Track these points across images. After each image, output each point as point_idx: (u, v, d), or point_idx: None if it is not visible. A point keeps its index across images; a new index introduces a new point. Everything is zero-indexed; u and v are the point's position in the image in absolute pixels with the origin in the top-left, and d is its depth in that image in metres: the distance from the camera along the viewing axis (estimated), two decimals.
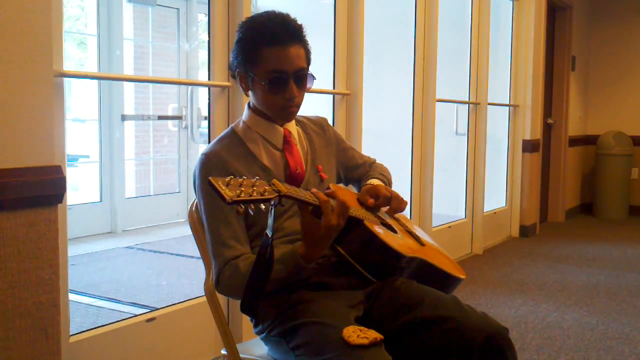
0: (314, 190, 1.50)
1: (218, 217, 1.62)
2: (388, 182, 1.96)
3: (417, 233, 1.93)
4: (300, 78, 1.67)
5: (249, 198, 1.29)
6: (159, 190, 6.84)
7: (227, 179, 1.30)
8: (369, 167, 2.01)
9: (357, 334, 1.42)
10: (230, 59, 1.73)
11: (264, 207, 1.32)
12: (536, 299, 3.95)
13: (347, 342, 1.41)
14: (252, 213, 1.31)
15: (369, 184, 1.87)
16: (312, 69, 1.73)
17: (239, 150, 1.71)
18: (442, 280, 1.81)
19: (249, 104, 1.78)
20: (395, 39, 4.62)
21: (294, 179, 1.74)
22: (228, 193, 1.27)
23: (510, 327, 3.32)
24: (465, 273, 1.88)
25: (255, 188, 1.31)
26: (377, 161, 2.06)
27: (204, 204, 1.66)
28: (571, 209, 7.31)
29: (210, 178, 1.29)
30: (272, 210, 1.39)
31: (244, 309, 1.48)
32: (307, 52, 1.70)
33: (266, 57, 1.62)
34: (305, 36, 1.69)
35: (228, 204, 1.26)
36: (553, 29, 6.83)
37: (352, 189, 2.04)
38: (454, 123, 5.08)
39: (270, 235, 1.42)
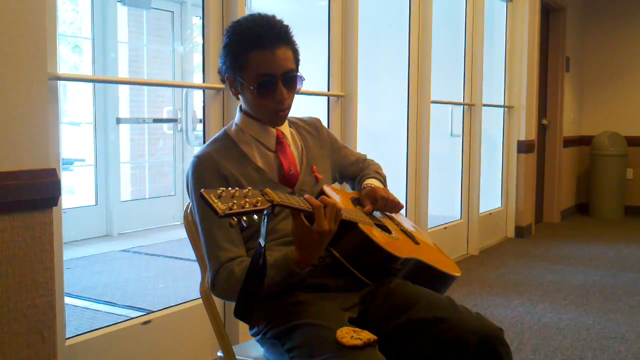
0: (306, 196, 1.48)
1: (211, 219, 1.61)
2: (383, 180, 1.97)
3: (412, 230, 1.93)
4: (289, 80, 1.65)
5: (242, 210, 1.27)
6: (155, 193, 6.83)
7: (219, 190, 1.28)
8: (362, 164, 2.01)
9: (350, 335, 1.42)
10: (219, 64, 1.71)
11: (256, 217, 1.31)
12: (532, 299, 3.96)
13: (341, 343, 1.41)
14: (245, 225, 1.30)
15: (367, 185, 1.86)
16: (306, 71, 1.72)
17: (231, 152, 1.71)
18: (438, 278, 1.82)
19: (240, 107, 1.77)
20: (390, 41, 4.62)
21: (287, 180, 1.74)
22: (220, 206, 1.25)
23: (506, 328, 3.33)
24: (460, 270, 1.88)
25: (247, 199, 1.30)
26: (367, 157, 2.06)
27: (197, 207, 1.65)
28: (566, 210, 7.33)
29: (202, 191, 1.27)
30: (265, 220, 1.37)
31: (238, 316, 1.47)
32: (295, 53, 1.68)
33: (253, 61, 1.61)
34: (292, 37, 1.66)
35: (220, 217, 1.25)
36: (547, 30, 6.85)
37: (346, 187, 2.04)
38: (449, 124, 5.09)
39: (263, 245, 1.40)
